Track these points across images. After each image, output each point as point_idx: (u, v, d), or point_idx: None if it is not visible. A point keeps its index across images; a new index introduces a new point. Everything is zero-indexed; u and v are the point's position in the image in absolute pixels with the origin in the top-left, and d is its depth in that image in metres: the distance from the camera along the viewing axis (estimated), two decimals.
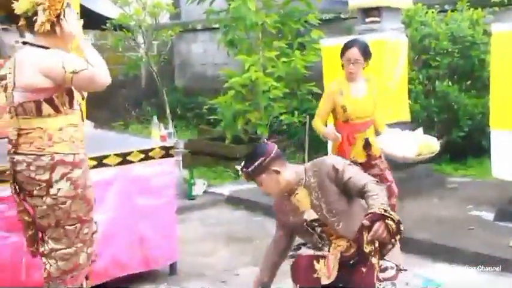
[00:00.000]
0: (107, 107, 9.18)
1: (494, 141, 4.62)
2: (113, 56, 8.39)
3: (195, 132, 9.28)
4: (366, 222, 2.49)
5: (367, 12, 5.58)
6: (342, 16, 8.03)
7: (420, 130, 3.89)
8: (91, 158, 3.14)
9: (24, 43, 2.69)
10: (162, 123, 5.56)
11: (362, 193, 2.66)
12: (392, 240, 2.52)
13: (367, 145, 3.92)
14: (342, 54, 3.91)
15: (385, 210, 2.48)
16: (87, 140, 2.87)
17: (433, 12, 6.60)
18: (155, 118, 5.47)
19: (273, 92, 6.80)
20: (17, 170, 2.66)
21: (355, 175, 2.72)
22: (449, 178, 6.07)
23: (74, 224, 2.72)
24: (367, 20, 5.56)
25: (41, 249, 2.76)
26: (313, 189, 2.77)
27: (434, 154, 3.78)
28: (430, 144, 3.75)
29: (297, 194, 2.81)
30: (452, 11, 6.75)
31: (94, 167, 3.24)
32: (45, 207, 2.67)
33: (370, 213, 2.50)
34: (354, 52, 3.84)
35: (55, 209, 2.66)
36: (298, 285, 2.82)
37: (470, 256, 3.90)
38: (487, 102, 4.98)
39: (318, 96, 6.98)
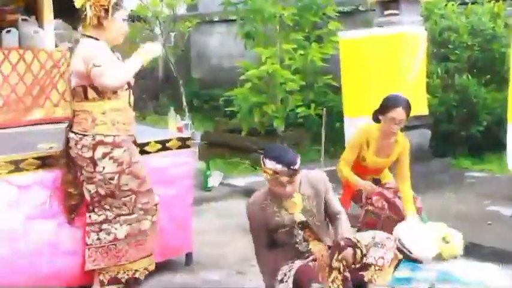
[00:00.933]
0: None
1: (510, 135, 4.57)
2: (130, 47, 8.42)
3: (211, 124, 9.28)
4: (342, 244, 2.83)
5: (385, 4, 5.56)
6: (360, 8, 7.97)
7: (443, 225, 3.80)
8: None
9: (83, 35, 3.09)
10: (179, 114, 5.57)
11: (334, 216, 3.01)
12: (353, 265, 2.85)
13: (376, 182, 3.92)
14: (385, 111, 3.67)
15: (358, 241, 2.88)
16: None
17: (453, 4, 6.56)
18: (172, 109, 5.48)
19: (290, 84, 6.80)
20: (69, 146, 3.06)
21: (335, 198, 3.09)
22: (467, 173, 6.02)
23: (129, 195, 3.11)
24: (386, 12, 5.54)
25: (100, 218, 3.12)
26: (307, 196, 2.95)
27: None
28: (453, 248, 3.59)
29: (293, 197, 2.91)
30: (473, 3, 6.70)
31: None
32: (97, 180, 3.05)
33: (347, 238, 2.88)
34: (400, 112, 3.63)
35: (106, 183, 3.05)
36: None
37: (487, 252, 3.87)
38: (507, 96, 4.92)
39: (335, 89, 6.97)
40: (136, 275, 3.26)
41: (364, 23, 7.05)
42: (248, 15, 7.16)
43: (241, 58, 8.10)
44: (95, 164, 3.01)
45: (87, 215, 3.16)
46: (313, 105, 7.10)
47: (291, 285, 2.80)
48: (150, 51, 3.12)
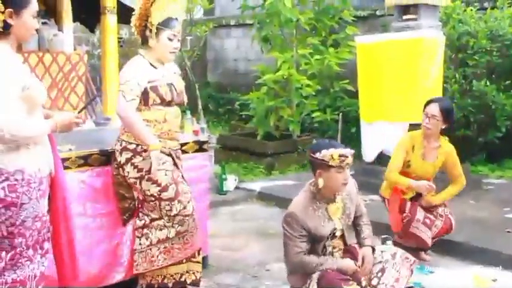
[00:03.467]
0: None
1: None
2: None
3: (226, 127, 9.30)
4: (367, 250, 3.01)
5: (404, 9, 5.53)
6: (378, 13, 7.96)
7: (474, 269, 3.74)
8: None
9: None
10: (194, 118, 5.59)
11: (359, 217, 3.11)
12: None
13: (417, 196, 3.85)
14: (423, 109, 3.80)
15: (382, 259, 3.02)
16: None
17: (471, 9, 6.49)
18: (188, 113, 5.49)
19: (306, 89, 6.80)
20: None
21: (361, 201, 3.18)
22: (485, 179, 5.97)
23: (153, 201, 3.15)
24: (404, 17, 5.51)
25: (140, 223, 3.23)
26: (345, 201, 3.01)
27: None
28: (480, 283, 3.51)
29: (337, 202, 2.98)
30: (492, 8, 6.63)
31: None
32: (131, 184, 3.17)
33: (369, 245, 3.04)
34: (433, 108, 3.72)
35: (134, 187, 3.17)
36: None
37: (506, 259, 3.84)
38: None
39: (351, 94, 6.95)
40: (166, 281, 3.30)
41: (381, 27, 7.03)
42: (265, 19, 7.17)
43: (258, 62, 8.12)
44: (122, 168, 3.14)
45: (135, 219, 3.27)
46: (329, 110, 7.10)
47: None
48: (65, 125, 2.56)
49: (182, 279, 3.33)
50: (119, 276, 3.30)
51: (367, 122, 5.61)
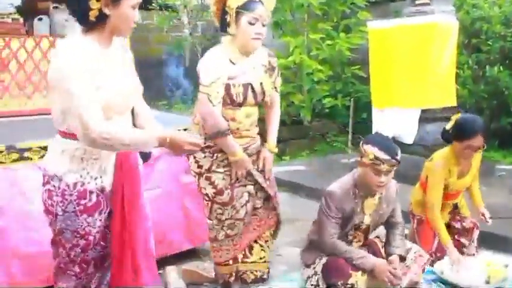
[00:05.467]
0: (150, 87, 9.31)
1: None
2: (157, 36, 8.49)
3: None
4: (396, 258, 2.94)
5: None
6: None
7: (486, 255, 3.65)
8: None
9: None
10: None
11: (394, 226, 3.07)
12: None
13: (455, 209, 3.65)
14: (461, 138, 3.32)
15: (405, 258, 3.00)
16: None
17: None
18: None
19: (317, 74, 6.79)
20: None
21: (399, 208, 3.12)
22: (498, 165, 5.94)
23: (207, 201, 3.06)
24: (417, 2, 5.48)
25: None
26: (383, 200, 2.99)
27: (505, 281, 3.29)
28: (499, 272, 3.32)
29: (374, 198, 2.96)
30: None
31: None
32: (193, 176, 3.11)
33: (400, 255, 2.98)
34: (479, 140, 3.27)
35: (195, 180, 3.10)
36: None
37: None
38: None
39: (362, 80, 6.93)
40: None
41: (394, 13, 6.98)
42: (276, 4, 7.13)
43: (269, 47, 8.07)
44: (188, 159, 3.07)
45: None
46: (340, 96, 7.09)
47: (319, 269, 2.90)
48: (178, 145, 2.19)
49: (231, 279, 3.25)
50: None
51: (378, 109, 5.60)
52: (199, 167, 3.01)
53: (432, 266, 3.33)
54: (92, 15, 1.98)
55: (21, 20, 4.18)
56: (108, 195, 2.18)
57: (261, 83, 3.00)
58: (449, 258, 3.33)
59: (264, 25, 2.87)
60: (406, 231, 3.50)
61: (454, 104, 5.52)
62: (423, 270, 3.10)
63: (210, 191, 3.03)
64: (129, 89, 2.17)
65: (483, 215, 3.56)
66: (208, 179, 3.01)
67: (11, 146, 2.98)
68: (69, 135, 2.07)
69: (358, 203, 2.93)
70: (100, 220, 2.17)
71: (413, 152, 5.16)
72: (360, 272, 2.83)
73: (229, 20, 2.84)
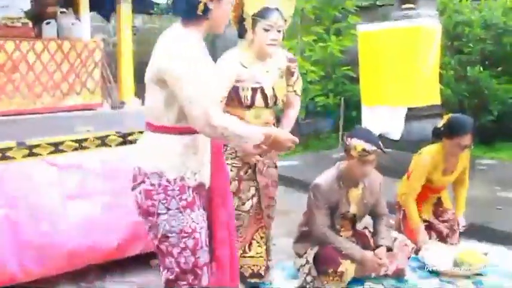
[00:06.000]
0: None
1: None
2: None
3: None
4: (383, 250, 3.07)
5: None
6: (378, 3, 8.12)
7: (467, 244, 3.72)
8: (140, 132, 3.22)
9: None
10: None
11: (379, 217, 3.22)
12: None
13: (438, 202, 3.78)
14: (451, 136, 3.42)
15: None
16: (136, 116, 3.18)
17: (467, 0, 6.66)
18: None
19: (310, 75, 6.94)
20: None
21: (384, 200, 3.24)
22: (479, 160, 6.09)
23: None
24: (404, 6, 5.65)
25: None
26: (366, 190, 3.12)
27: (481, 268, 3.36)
28: (476, 258, 3.39)
29: (358, 188, 3.10)
30: None
31: None
32: None
33: (385, 246, 3.10)
34: (467, 139, 3.41)
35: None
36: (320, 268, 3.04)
37: (497, 234, 3.99)
38: None
39: (352, 80, 7.16)
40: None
41: (382, 17, 7.21)
42: None
43: None
44: None
45: None
46: (331, 95, 7.25)
47: (311, 258, 3.06)
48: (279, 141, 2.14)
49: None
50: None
51: (367, 106, 5.73)
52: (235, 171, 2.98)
53: (416, 254, 3.43)
54: (200, 8, 2.01)
55: (31, 24, 4.31)
56: (203, 192, 2.15)
57: (273, 88, 2.98)
58: (418, 240, 3.47)
59: (279, 31, 2.88)
60: (392, 222, 3.69)
61: (438, 102, 5.69)
62: (408, 258, 3.25)
63: (235, 201, 2.94)
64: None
65: (458, 223, 3.71)
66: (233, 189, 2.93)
67: (21, 142, 3.09)
68: (170, 130, 2.03)
69: (343, 193, 3.06)
70: (201, 216, 2.11)
71: (399, 148, 5.25)
72: (349, 260, 2.99)
73: (246, 26, 2.92)
